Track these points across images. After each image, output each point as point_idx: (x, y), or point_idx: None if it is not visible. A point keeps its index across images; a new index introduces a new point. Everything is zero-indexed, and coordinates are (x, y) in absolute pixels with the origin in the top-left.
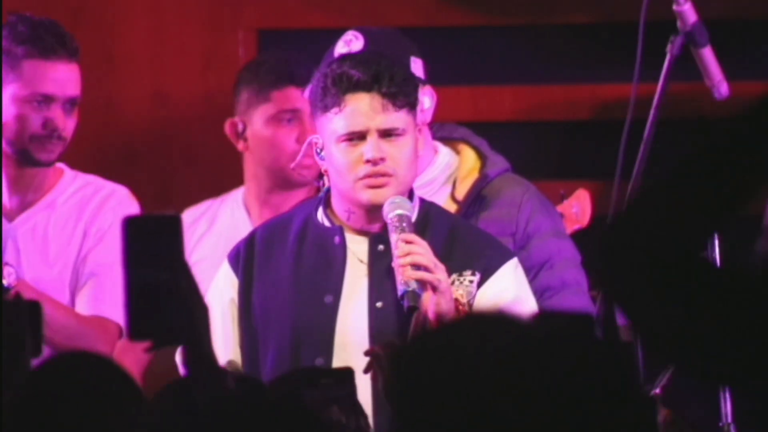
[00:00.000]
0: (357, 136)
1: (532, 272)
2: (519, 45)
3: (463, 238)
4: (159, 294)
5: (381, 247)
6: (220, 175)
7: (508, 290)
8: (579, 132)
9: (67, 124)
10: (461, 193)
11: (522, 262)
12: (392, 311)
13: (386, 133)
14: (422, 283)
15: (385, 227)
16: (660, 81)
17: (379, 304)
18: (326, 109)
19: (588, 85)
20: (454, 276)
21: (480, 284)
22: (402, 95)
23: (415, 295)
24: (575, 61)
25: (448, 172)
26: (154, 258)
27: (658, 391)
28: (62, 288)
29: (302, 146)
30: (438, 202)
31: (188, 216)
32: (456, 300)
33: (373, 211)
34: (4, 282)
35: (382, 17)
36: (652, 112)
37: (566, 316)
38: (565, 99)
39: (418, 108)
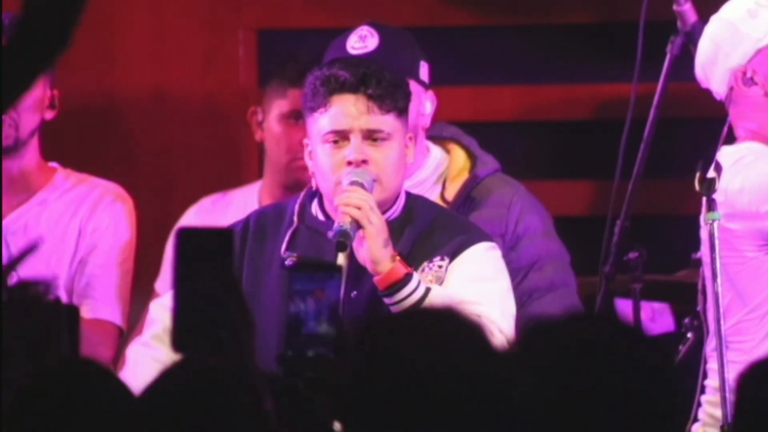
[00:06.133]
0: (341, 137)
1: (521, 273)
2: (519, 45)
3: (441, 227)
4: (205, 306)
5: None
6: (220, 174)
7: (475, 268)
8: (579, 132)
9: None
10: (451, 194)
11: (511, 262)
12: (364, 301)
13: (370, 136)
14: (357, 225)
15: None
16: (660, 81)
17: (353, 294)
18: (314, 109)
19: (588, 85)
20: (425, 263)
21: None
22: (389, 99)
23: (346, 234)
24: (575, 61)
25: (438, 171)
26: (203, 271)
27: None
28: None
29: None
30: None
31: (206, 201)
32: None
33: None
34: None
35: (382, 17)
36: (652, 112)
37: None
38: (565, 99)
39: (415, 114)
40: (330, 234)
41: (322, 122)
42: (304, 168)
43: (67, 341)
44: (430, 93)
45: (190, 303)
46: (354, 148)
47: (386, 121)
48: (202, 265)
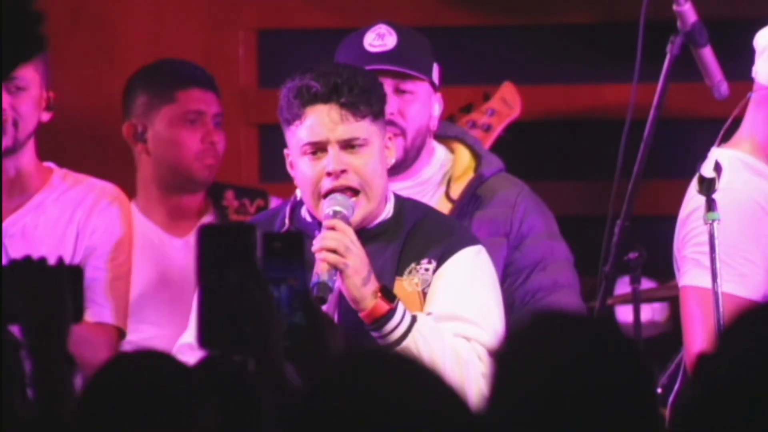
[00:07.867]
0: (318, 148)
1: (525, 272)
2: (519, 45)
3: (428, 229)
4: (231, 303)
5: None
6: (220, 174)
7: (462, 276)
8: (579, 132)
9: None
10: (456, 193)
11: (515, 262)
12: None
13: (348, 145)
14: (336, 271)
15: (358, 230)
16: (660, 81)
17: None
18: (290, 122)
19: (588, 85)
20: (412, 265)
21: (436, 271)
22: (362, 105)
23: (323, 286)
24: (575, 61)
25: (443, 171)
26: (227, 267)
27: (659, 390)
28: None
29: (206, 146)
30: (433, 201)
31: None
32: (380, 289)
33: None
34: None
35: (382, 17)
36: (652, 112)
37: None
38: (565, 99)
39: (427, 116)
40: (311, 288)
41: (299, 135)
42: (210, 167)
43: (71, 303)
44: (438, 95)
45: (215, 300)
46: (332, 158)
47: (361, 128)
48: (225, 261)
